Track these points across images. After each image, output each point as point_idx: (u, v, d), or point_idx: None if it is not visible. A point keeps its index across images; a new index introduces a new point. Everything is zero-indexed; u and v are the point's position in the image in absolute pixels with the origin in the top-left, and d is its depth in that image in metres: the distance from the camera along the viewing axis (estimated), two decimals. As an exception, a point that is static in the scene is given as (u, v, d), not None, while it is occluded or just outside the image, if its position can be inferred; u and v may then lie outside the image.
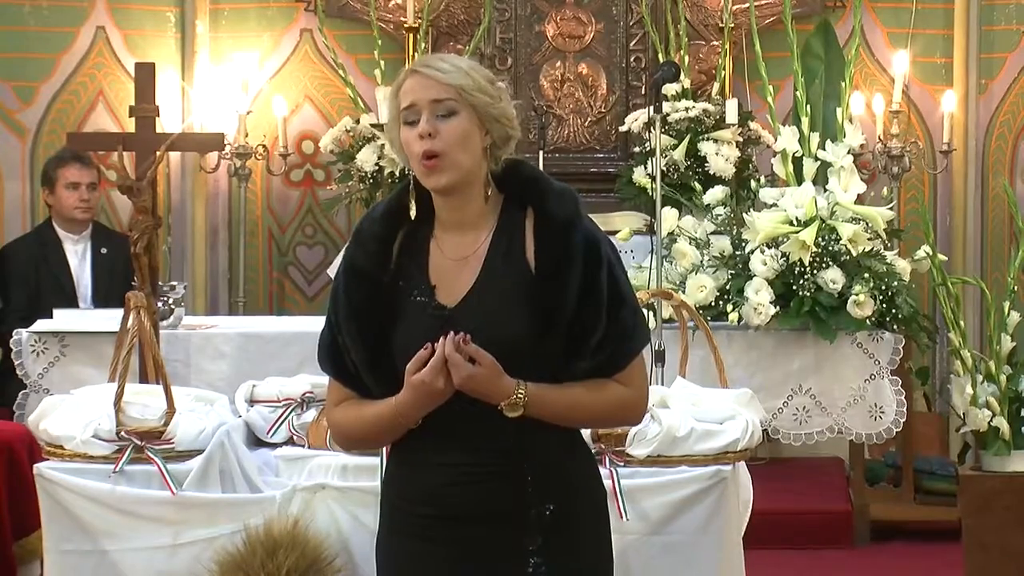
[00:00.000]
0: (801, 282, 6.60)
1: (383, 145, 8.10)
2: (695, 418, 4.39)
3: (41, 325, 6.52)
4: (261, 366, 6.02)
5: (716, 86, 8.50)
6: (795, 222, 6.71)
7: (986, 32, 8.82)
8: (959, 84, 8.77)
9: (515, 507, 3.24)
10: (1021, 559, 5.55)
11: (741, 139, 8.22)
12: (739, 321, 6.65)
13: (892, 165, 8.38)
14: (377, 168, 8.22)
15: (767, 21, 8.54)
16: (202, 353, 6.38)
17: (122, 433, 4.34)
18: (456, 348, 3.16)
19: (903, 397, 6.69)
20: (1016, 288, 5.98)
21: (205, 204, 9.05)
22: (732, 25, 8.49)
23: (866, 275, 6.62)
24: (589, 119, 8.82)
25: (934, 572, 6.82)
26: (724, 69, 8.52)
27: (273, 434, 4.66)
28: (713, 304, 6.72)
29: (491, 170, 3.31)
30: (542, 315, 3.21)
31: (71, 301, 7.48)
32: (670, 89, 8.05)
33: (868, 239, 6.70)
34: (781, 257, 6.64)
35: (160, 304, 5.88)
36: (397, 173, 8.04)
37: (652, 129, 6.28)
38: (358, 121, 8.41)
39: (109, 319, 5.85)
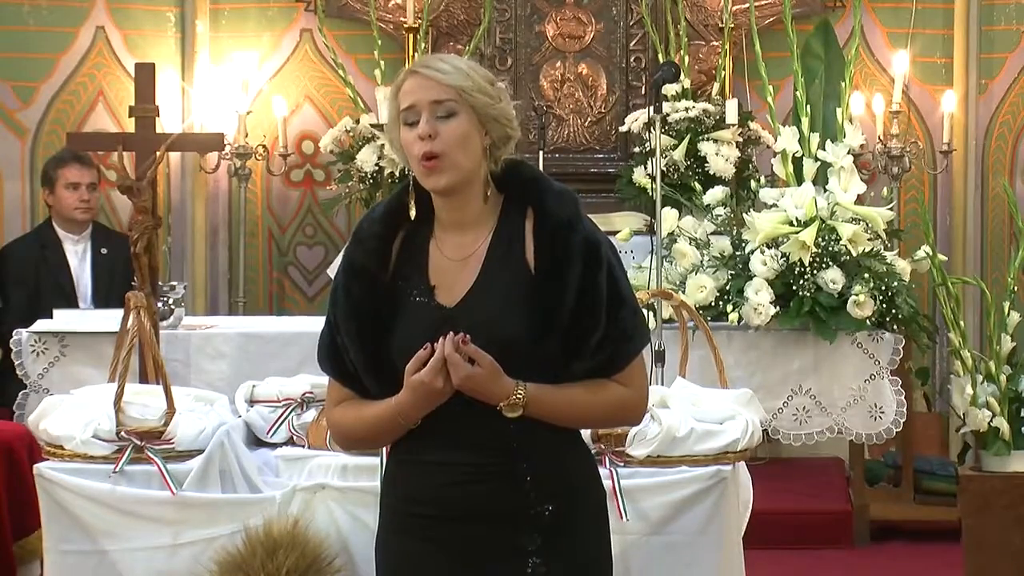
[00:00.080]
0: (801, 282, 6.60)
1: (383, 145, 8.10)
2: (695, 418, 4.39)
3: (41, 325, 6.52)
4: (261, 366, 6.02)
5: (716, 86, 8.50)
6: (795, 222, 6.71)
7: (986, 32, 8.82)
8: (959, 84, 8.77)
9: (515, 507, 3.24)
10: (1021, 559, 5.55)
11: (741, 139, 8.22)
12: (739, 321, 6.65)
13: (892, 165, 8.38)
14: (377, 168, 8.23)
15: (767, 21, 8.54)
16: (202, 353, 6.38)
17: (122, 433, 4.34)
18: (455, 348, 3.17)
19: (903, 397, 6.69)
20: (1016, 288, 5.98)
21: (205, 204, 9.06)
22: (732, 25, 8.49)
23: (866, 275, 6.62)
24: (589, 119, 8.82)
25: (934, 572, 6.82)
26: (724, 69, 8.53)
27: (273, 434, 4.66)
28: (713, 304, 6.72)
29: (491, 170, 3.31)
30: (541, 315, 3.21)
31: (71, 301, 7.48)
32: (670, 89, 8.05)
33: (868, 239, 6.70)
34: (781, 257, 6.64)
35: (160, 304, 5.88)
36: (397, 173, 8.05)
37: (652, 129, 6.28)
38: (358, 121, 8.41)
39: (109, 319, 5.85)
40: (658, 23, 8.64)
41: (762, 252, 6.67)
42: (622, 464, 4.28)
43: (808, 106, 7.12)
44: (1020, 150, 8.82)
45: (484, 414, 3.21)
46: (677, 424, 4.33)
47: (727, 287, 6.75)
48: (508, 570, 3.25)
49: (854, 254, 6.65)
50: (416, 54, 8.41)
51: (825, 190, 6.82)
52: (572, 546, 3.28)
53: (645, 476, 4.28)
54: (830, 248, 6.63)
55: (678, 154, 8.03)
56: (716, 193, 7.13)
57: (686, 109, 8.18)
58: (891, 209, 6.97)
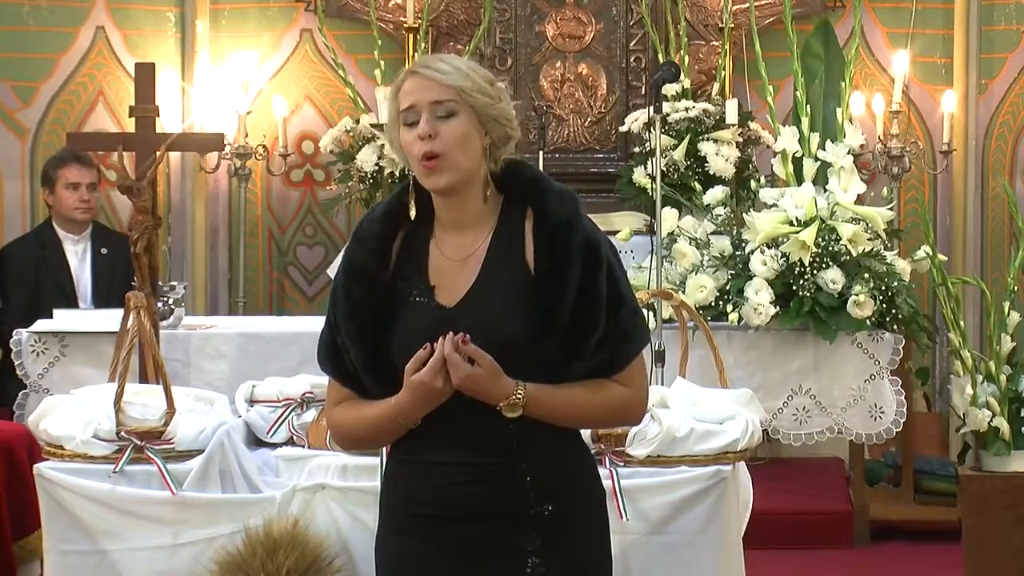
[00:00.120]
0: (801, 282, 6.60)
1: (383, 145, 8.10)
2: (695, 418, 4.39)
3: (41, 325, 6.52)
4: (261, 366, 6.02)
5: (716, 86, 8.50)
6: (795, 222, 6.71)
7: (986, 32, 8.82)
8: (959, 84, 8.77)
9: (514, 507, 3.24)
10: (1021, 559, 5.55)
11: (741, 139, 8.22)
12: (739, 321, 6.66)
13: (892, 165, 8.38)
14: (377, 168, 8.23)
15: (767, 21, 8.54)
16: (202, 353, 6.38)
17: (122, 433, 4.34)
18: (455, 348, 3.17)
19: (903, 397, 6.69)
20: (1016, 288, 5.98)
21: (205, 204, 9.06)
22: (732, 25, 8.49)
23: (866, 275, 6.62)
24: (589, 119, 8.82)
25: (934, 572, 6.82)
26: (724, 69, 8.52)
27: (273, 434, 4.66)
28: (713, 304, 6.72)
29: (491, 170, 3.31)
30: (541, 315, 3.21)
31: (71, 301, 7.48)
32: (670, 89, 8.05)
33: (868, 239, 6.70)
34: (781, 257, 6.64)
35: (160, 304, 5.88)
36: (397, 173, 8.05)
37: (652, 129, 6.28)
38: (358, 121, 8.41)
39: (109, 319, 5.85)
40: (658, 23, 8.64)
41: (762, 252, 6.67)
42: (622, 464, 4.28)
43: (808, 106, 7.12)
44: (1020, 150, 8.82)
45: (484, 414, 3.21)
46: (677, 424, 4.33)
47: (727, 287, 6.75)
48: (508, 570, 3.25)
49: (854, 254, 6.65)
50: (416, 54, 8.41)
51: (825, 190, 6.82)
52: (572, 546, 3.28)
53: (645, 476, 4.28)
54: (830, 248, 6.63)
55: (678, 154, 8.03)
56: (716, 193, 7.13)
57: (686, 109, 8.18)
58: (891, 209, 6.97)
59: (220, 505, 4.28)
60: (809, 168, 6.91)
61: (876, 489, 7.57)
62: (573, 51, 8.84)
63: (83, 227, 7.75)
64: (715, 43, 8.70)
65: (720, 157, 8.05)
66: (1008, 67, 8.82)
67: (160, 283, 5.88)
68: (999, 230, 8.78)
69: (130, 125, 5.50)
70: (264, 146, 8.79)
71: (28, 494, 4.87)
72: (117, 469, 4.31)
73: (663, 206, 6.43)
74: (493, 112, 3.27)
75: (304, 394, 4.69)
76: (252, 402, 4.77)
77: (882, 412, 6.64)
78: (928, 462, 7.62)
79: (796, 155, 6.93)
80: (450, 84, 3.24)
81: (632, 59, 8.81)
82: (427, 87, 3.25)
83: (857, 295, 6.54)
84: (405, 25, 8.53)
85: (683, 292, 6.59)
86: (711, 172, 8.01)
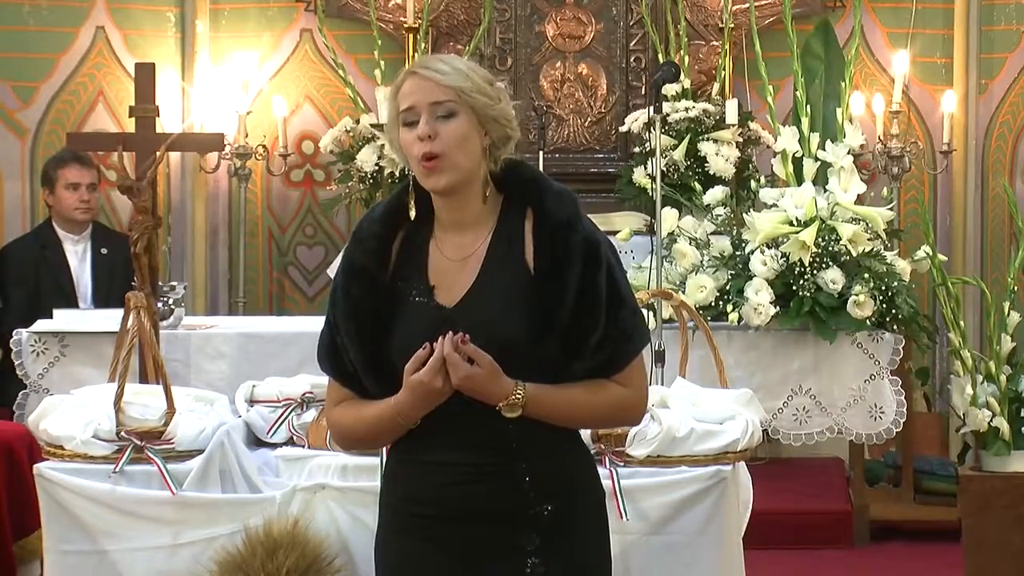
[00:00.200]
0: (801, 282, 6.60)
1: (383, 145, 8.10)
2: (695, 418, 4.39)
3: (41, 325, 6.52)
4: (261, 366, 6.02)
5: (716, 86, 8.50)
6: (795, 222, 6.71)
7: (986, 32, 8.82)
8: (959, 84, 8.77)
9: (514, 507, 3.24)
10: (1021, 559, 5.55)
11: (741, 139, 8.22)
12: (739, 321, 6.66)
13: (892, 165, 8.38)
14: (377, 168, 8.23)
15: (767, 21, 8.54)
16: (202, 353, 6.38)
17: (122, 433, 4.34)
18: (455, 348, 3.17)
19: (903, 397, 6.69)
20: (1016, 288, 5.98)
21: (205, 204, 9.06)
22: (732, 25, 8.49)
23: (866, 275, 6.62)
24: (589, 119, 8.82)
25: (934, 572, 6.82)
26: (724, 69, 8.52)
27: (273, 434, 4.66)
28: (713, 304, 6.72)
29: (490, 171, 3.31)
30: (541, 315, 3.22)
31: (71, 301, 7.48)
32: (670, 89, 8.05)
33: (868, 239, 6.70)
34: (781, 257, 6.65)
35: (160, 304, 5.88)
36: (397, 173, 8.05)
37: (652, 129, 6.28)
38: (358, 121, 8.41)
39: (109, 319, 5.85)
40: (658, 23, 8.64)
41: (762, 252, 6.67)
42: (622, 464, 4.28)
43: (808, 106, 7.12)
44: (1020, 150, 8.82)
45: (483, 414, 3.21)
46: (677, 424, 4.33)
47: (727, 287, 6.75)
48: (507, 570, 3.25)
49: (854, 254, 6.65)
50: (416, 54, 8.41)
51: (825, 190, 6.82)
52: (571, 546, 3.28)
53: (645, 476, 4.28)
54: (830, 248, 6.63)
55: (678, 154, 8.03)
56: (716, 193, 7.13)
57: (686, 109, 8.18)
58: (891, 209, 6.97)
59: (220, 505, 4.28)
60: (809, 168, 6.91)
61: (876, 489, 7.57)
62: (573, 51, 8.84)
63: (83, 227, 7.75)
64: (715, 43, 8.70)
65: (720, 157, 8.05)
66: (1008, 67, 8.82)
67: (160, 283, 5.88)
68: (999, 230, 8.78)
69: (130, 125, 5.50)
70: (264, 146, 8.79)
71: (28, 494, 4.87)
72: (117, 469, 4.31)
73: (663, 206, 6.43)
74: (493, 112, 3.27)
75: (304, 394, 4.69)
76: (252, 402, 4.77)
77: (882, 412, 6.65)
78: (928, 462, 7.62)
79: (796, 155, 6.93)
80: (450, 85, 3.24)
81: (632, 59, 8.81)
82: (427, 88, 3.25)
83: (857, 295, 6.54)
84: (405, 25, 8.54)
85: (683, 292, 6.59)
86: (711, 172, 8.01)
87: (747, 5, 8.08)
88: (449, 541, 3.26)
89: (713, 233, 7.01)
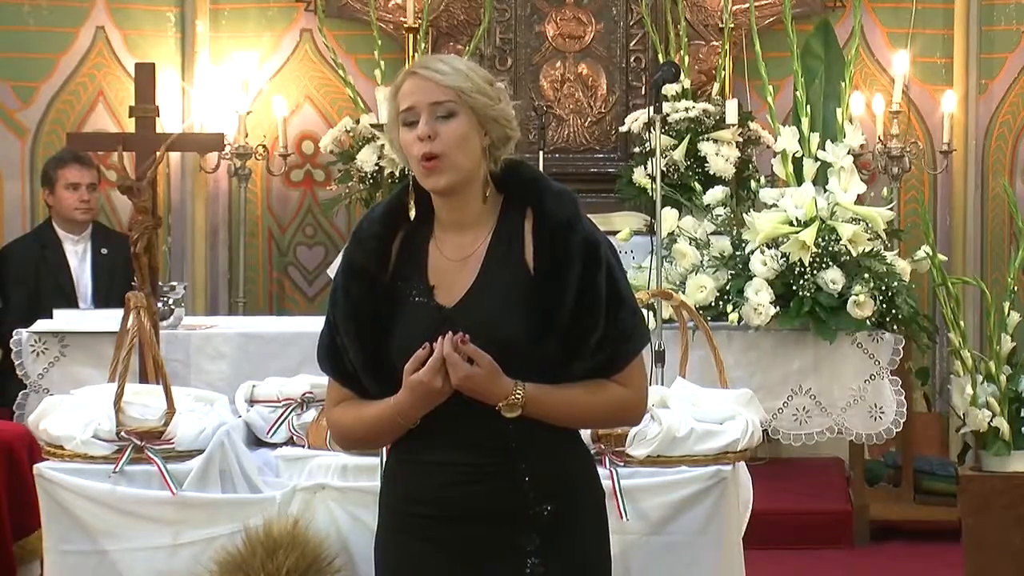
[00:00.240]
0: (801, 282, 6.60)
1: (383, 145, 8.11)
2: (695, 418, 4.39)
3: (41, 325, 6.52)
4: (261, 366, 6.02)
5: (716, 86, 8.50)
6: (795, 222, 6.71)
7: (986, 32, 8.82)
8: (959, 84, 8.77)
9: (513, 507, 3.24)
10: (1021, 559, 5.55)
11: (741, 139, 8.22)
12: (739, 321, 6.66)
13: (892, 165, 8.38)
14: (377, 168, 8.23)
15: (767, 21, 8.54)
16: (202, 353, 6.38)
17: (122, 433, 4.34)
18: (454, 348, 3.17)
19: (903, 397, 6.69)
20: (1016, 288, 5.98)
21: (205, 204, 9.06)
22: (732, 25, 8.49)
23: (866, 275, 6.62)
24: (589, 119, 8.82)
25: (934, 572, 6.82)
26: (724, 69, 8.52)
27: (273, 434, 4.66)
28: (713, 304, 6.72)
29: (490, 171, 3.31)
30: (540, 316, 3.21)
31: (71, 301, 7.47)
32: (670, 89, 8.05)
33: (868, 239, 6.70)
34: (781, 257, 6.65)
35: (160, 304, 5.88)
36: (397, 173, 8.05)
37: (652, 129, 6.28)
38: (358, 121, 8.41)
39: (109, 319, 5.85)
40: (658, 23, 8.64)
41: (762, 252, 6.67)
42: (622, 464, 4.28)
43: (808, 106, 7.12)
44: (1020, 150, 8.82)
45: (483, 414, 3.21)
46: (677, 424, 4.33)
47: (727, 287, 6.75)
48: (507, 570, 3.25)
49: (854, 254, 6.65)
50: (416, 54, 8.41)
51: (825, 190, 6.82)
52: (571, 546, 3.28)
53: (645, 476, 4.28)
54: (830, 248, 6.63)
55: (678, 154, 8.03)
56: (716, 193, 7.13)
57: (686, 109, 8.18)
58: (891, 209, 6.97)
59: (220, 505, 4.28)
60: (809, 168, 6.91)
61: (876, 489, 7.57)
62: (573, 51, 8.84)
63: (83, 227, 7.74)
64: (715, 43, 8.70)
65: (720, 157, 8.05)
66: (1008, 67, 8.82)
67: (160, 283, 5.88)
68: (999, 230, 8.78)
69: (130, 125, 5.50)
70: (264, 146, 8.79)
71: (28, 494, 4.87)
72: (117, 469, 4.31)
73: (663, 206, 6.43)
74: (492, 113, 3.27)
75: (304, 394, 4.69)
76: (252, 402, 4.77)
77: (882, 412, 6.65)
78: (928, 462, 7.62)
79: (796, 155, 6.93)
80: (449, 85, 3.24)
81: (632, 59, 8.81)
82: (426, 88, 3.25)
83: (857, 295, 6.54)
84: (405, 25, 8.54)
85: (683, 292, 6.60)
86: (711, 172, 8.01)
87: (747, 5, 8.08)
88: (449, 541, 3.26)
89: (713, 233, 7.01)
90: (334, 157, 8.52)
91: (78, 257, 7.71)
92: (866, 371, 6.65)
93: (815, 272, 6.61)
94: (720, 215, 7.02)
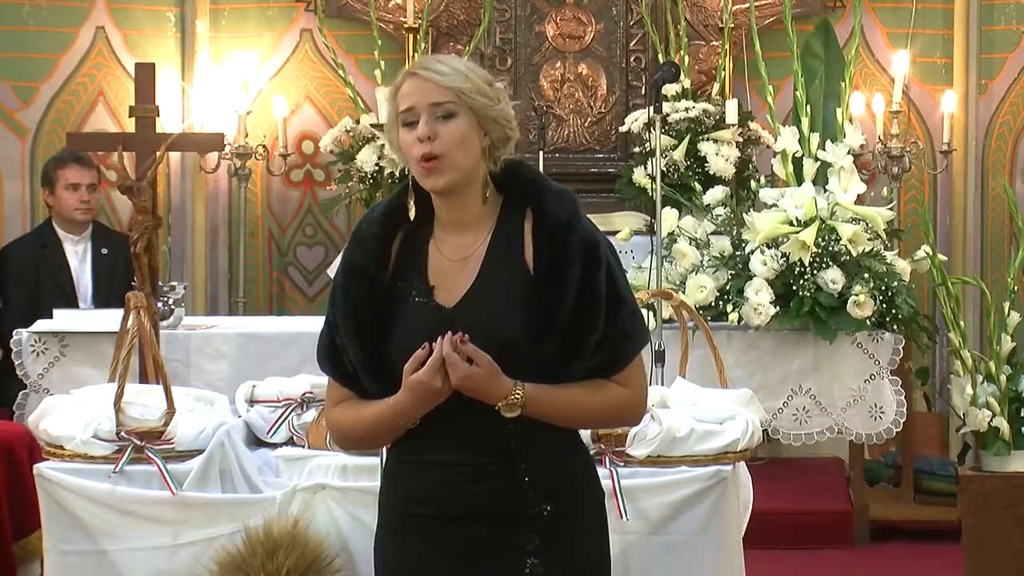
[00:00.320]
0: (801, 282, 6.60)
1: (383, 145, 8.11)
2: (695, 418, 4.39)
3: (41, 325, 6.53)
4: (261, 366, 6.03)
5: (716, 86, 8.50)
6: (795, 222, 6.71)
7: (986, 32, 8.82)
8: (959, 84, 8.77)
9: (513, 507, 3.24)
10: (1021, 559, 5.55)
11: (741, 139, 8.22)
12: (739, 321, 6.66)
13: (892, 165, 8.38)
14: (377, 168, 8.23)
15: (767, 21, 8.54)
16: (202, 353, 6.38)
17: (122, 433, 4.34)
18: (454, 348, 3.17)
19: (903, 397, 6.69)
20: (1016, 288, 5.98)
21: (205, 204, 9.06)
22: (732, 25, 8.49)
23: (866, 275, 6.62)
24: (589, 119, 8.82)
25: (934, 572, 6.82)
26: (724, 69, 8.52)
27: (273, 434, 4.66)
28: (713, 304, 6.72)
29: (490, 171, 3.31)
30: (540, 316, 3.22)
31: (71, 301, 7.47)
32: (670, 89, 8.05)
33: (868, 239, 6.70)
34: (781, 257, 6.65)
35: (160, 304, 5.88)
36: (397, 173, 8.05)
37: (652, 129, 6.28)
38: (358, 121, 8.41)
39: (109, 319, 5.85)
40: (658, 23, 8.64)
41: (762, 252, 6.67)
42: (622, 464, 4.28)
43: (808, 106, 7.12)
44: (1020, 150, 8.82)
45: (482, 414, 3.21)
46: (677, 424, 4.33)
47: (727, 287, 6.75)
48: (506, 570, 3.25)
49: (854, 254, 6.65)
50: (416, 54, 8.41)
51: (825, 190, 6.82)
52: (570, 546, 3.28)
53: (645, 476, 4.28)
54: (830, 248, 6.63)
55: (678, 154, 8.03)
56: (716, 193, 7.13)
57: (686, 109, 8.18)
58: (891, 209, 6.97)
59: (220, 505, 4.28)
60: (809, 168, 6.91)
61: (876, 489, 7.57)
62: (573, 51, 8.84)
63: (83, 227, 7.74)
64: (715, 43, 8.70)
65: (720, 157, 8.05)
66: (1008, 67, 8.82)
67: (160, 283, 5.88)
68: (999, 230, 8.78)
69: (130, 125, 5.51)
70: (264, 146, 8.79)
71: (28, 494, 4.88)
72: (117, 469, 4.31)
73: (663, 206, 6.43)
74: (492, 113, 3.27)
75: (304, 394, 4.69)
76: (252, 402, 4.77)
77: (882, 412, 6.65)
78: (928, 462, 7.62)
79: (796, 155, 6.93)
80: (449, 86, 3.24)
81: (632, 59, 8.81)
82: (426, 89, 3.25)
83: (857, 295, 6.54)
84: (405, 25, 8.54)
85: (683, 292, 6.59)
86: (711, 172, 8.01)
87: (747, 5, 8.08)
88: (448, 541, 3.26)
89: (713, 233, 7.01)
90: (334, 157, 8.52)
91: (78, 257, 7.71)
92: (866, 371, 6.65)
93: (815, 272, 6.61)
94: (720, 215, 7.02)
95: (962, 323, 5.84)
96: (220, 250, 9.11)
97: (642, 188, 7.99)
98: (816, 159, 6.93)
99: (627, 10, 8.80)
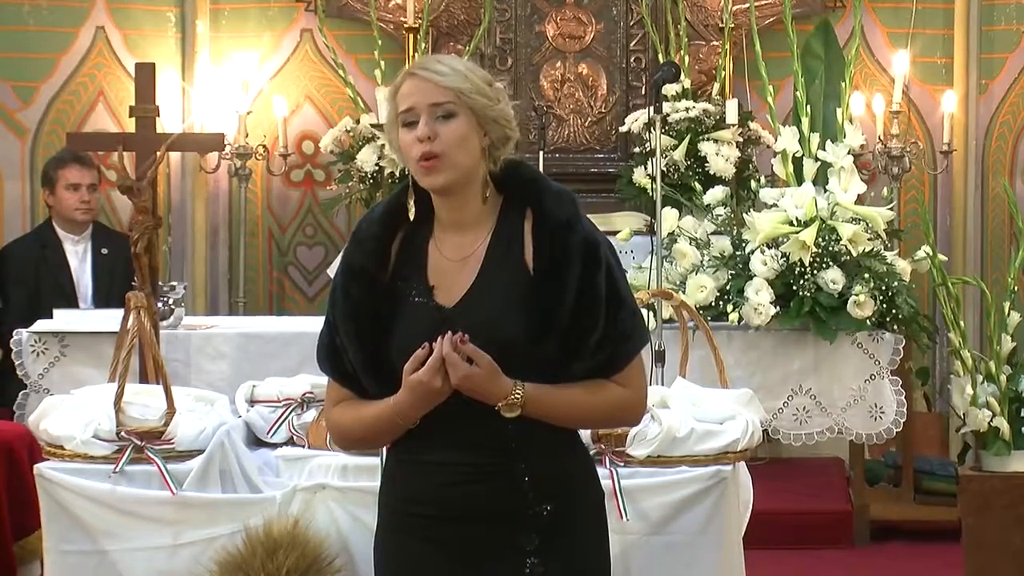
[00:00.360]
0: (801, 282, 6.60)
1: (383, 145, 8.11)
2: (695, 418, 4.39)
3: (41, 325, 6.52)
4: (261, 366, 6.03)
5: (716, 86, 8.50)
6: (795, 222, 6.71)
7: (986, 32, 8.82)
8: (959, 84, 8.77)
9: (513, 507, 3.24)
10: (1021, 559, 5.55)
11: (741, 139, 8.22)
12: (739, 321, 6.66)
13: (892, 165, 8.38)
14: (377, 168, 8.23)
15: (767, 21, 8.54)
16: (202, 353, 6.39)
17: (122, 433, 4.34)
18: (454, 348, 3.17)
19: (903, 397, 6.69)
20: (1016, 288, 5.98)
21: (205, 204, 9.06)
22: (732, 25, 8.49)
23: (866, 275, 6.62)
24: (589, 119, 8.82)
25: (934, 572, 6.82)
26: (724, 69, 8.53)
27: (273, 434, 4.66)
28: (713, 304, 6.72)
29: (490, 171, 3.31)
30: (540, 316, 3.22)
31: (71, 301, 7.47)
32: (670, 89, 8.05)
33: (868, 239, 6.70)
34: (781, 257, 6.65)
35: (160, 304, 5.88)
36: (397, 173, 8.05)
37: (652, 129, 6.28)
38: (358, 121, 8.41)
39: (109, 319, 5.86)
40: (658, 23, 8.64)
41: (762, 252, 6.67)
42: (622, 464, 4.28)
43: (808, 106, 7.12)
44: (1020, 150, 8.82)
45: (482, 414, 3.21)
46: (677, 424, 4.33)
47: (727, 287, 6.75)
48: (506, 570, 3.25)
49: (854, 254, 6.65)
50: (416, 54, 8.42)
51: (825, 190, 6.82)
52: (570, 546, 3.28)
53: (645, 476, 4.28)
54: (830, 248, 6.63)
55: (678, 154, 8.03)
56: (716, 193, 7.13)
57: (686, 109, 8.18)
58: (891, 209, 6.97)
59: (220, 505, 4.28)
60: (809, 168, 6.91)
61: (876, 489, 7.57)
62: (573, 51, 8.85)
63: (83, 227, 7.74)
64: (715, 43, 8.70)
65: (720, 157, 8.05)
66: (1008, 67, 8.82)
67: (160, 283, 5.88)
68: (999, 230, 8.78)
69: (130, 125, 5.51)
70: (264, 146, 8.79)
71: (28, 494, 4.88)
72: (117, 469, 4.31)
73: (663, 206, 6.43)
74: (492, 113, 3.27)
75: (304, 394, 4.69)
76: (252, 402, 4.77)
77: (882, 412, 6.65)
78: (928, 462, 7.62)
79: (796, 155, 6.93)
80: (448, 86, 3.24)
81: (632, 59, 8.81)
82: (426, 89, 3.25)
83: (857, 295, 6.54)
84: (405, 25, 8.54)
85: (683, 292, 6.59)
86: (711, 172, 8.01)
87: (747, 5, 8.08)
88: (448, 541, 3.26)
89: (713, 233, 7.01)
90: (334, 157, 8.52)
91: (78, 257, 7.71)
92: (866, 371, 6.65)
93: (815, 272, 6.61)
94: (720, 215, 7.02)
95: (962, 323, 5.84)
96: (220, 250, 9.11)
97: (642, 188, 7.99)
98: (816, 159, 6.93)
99: (627, 10, 8.80)
